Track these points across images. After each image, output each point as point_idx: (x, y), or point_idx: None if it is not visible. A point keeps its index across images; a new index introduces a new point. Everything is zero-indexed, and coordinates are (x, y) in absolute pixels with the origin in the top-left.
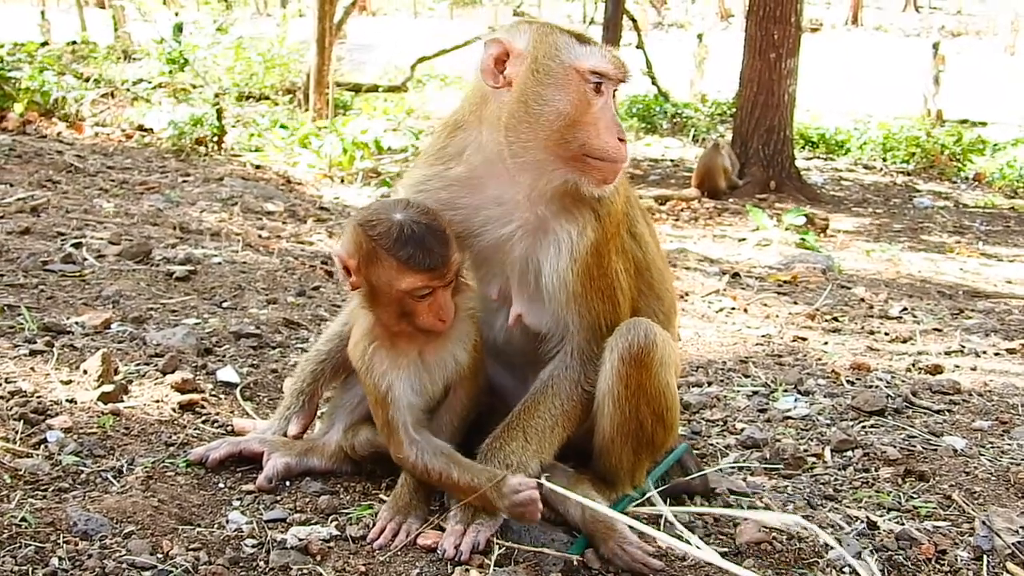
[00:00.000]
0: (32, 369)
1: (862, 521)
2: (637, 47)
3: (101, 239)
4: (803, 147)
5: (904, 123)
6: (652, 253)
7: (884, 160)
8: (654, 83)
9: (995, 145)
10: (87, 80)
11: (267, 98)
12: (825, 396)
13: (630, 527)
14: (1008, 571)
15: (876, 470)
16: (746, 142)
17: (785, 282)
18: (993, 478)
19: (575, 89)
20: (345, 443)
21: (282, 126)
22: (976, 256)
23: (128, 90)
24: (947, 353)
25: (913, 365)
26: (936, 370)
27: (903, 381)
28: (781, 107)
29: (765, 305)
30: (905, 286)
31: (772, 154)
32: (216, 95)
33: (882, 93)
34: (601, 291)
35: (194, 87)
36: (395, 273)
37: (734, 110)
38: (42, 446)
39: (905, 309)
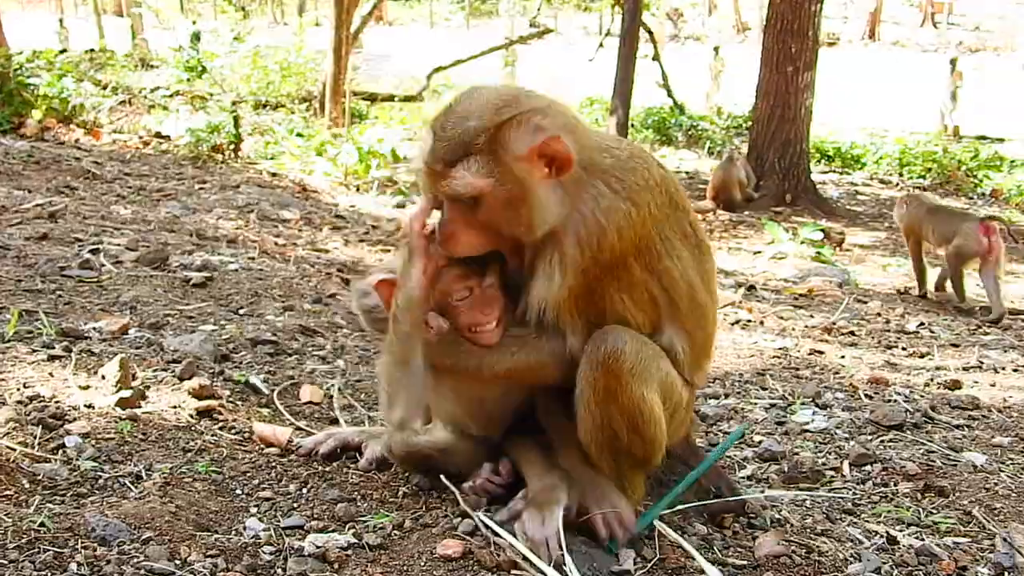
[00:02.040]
0: (50, 374)
1: (882, 536)
2: (653, 59)
3: (118, 245)
4: (819, 161)
5: (920, 138)
6: (681, 289)
7: (900, 175)
8: (670, 95)
9: (1012, 162)
10: (105, 87)
11: (283, 106)
12: (843, 410)
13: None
14: None
15: (895, 485)
16: (762, 155)
17: (801, 295)
18: (1013, 495)
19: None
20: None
21: (299, 134)
22: None
23: (146, 97)
24: (965, 369)
25: (931, 380)
26: (955, 385)
27: (922, 396)
28: (798, 120)
29: (781, 318)
30: (922, 301)
31: (788, 167)
32: (233, 103)
33: (899, 108)
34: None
35: (211, 95)
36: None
37: (750, 123)
38: (60, 451)
39: (922, 324)
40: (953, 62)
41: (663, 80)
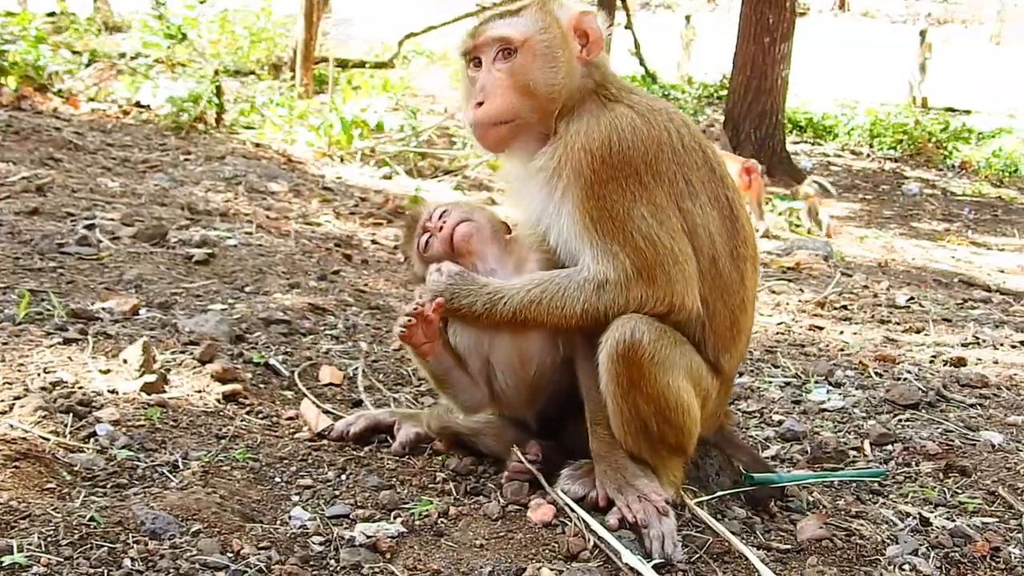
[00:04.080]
0: (69, 358)
1: (914, 517)
2: (626, 27)
3: (112, 220)
4: (791, 131)
5: (890, 110)
6: (702, 242)
7: (871, 146)
8: (642, 64)
9: (980, 134)
10: (78, 54)
11: (253, 73)
12: (856, 388)
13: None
14: None
15: (917, 465)
16: (738, 126)
17: (789, 268)
18: None
19: (464, 73)
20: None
21: (278, 104)
22: (966, 244)
23: (127, 65)
24: (964, 345)
25: (936, 357)
26: (960, 362)
27: (932, 374)
28: (774, 92)
29: (774, 292)
30: (902, 274)
31: (764, 138)
32: (216, 72)
33: (868, 79)
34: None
35: (190, 63)
36: None
37: (722, 92)
38: (92, 439)
39: (912, 299)
40: (922, 34)
41: (635, 48)
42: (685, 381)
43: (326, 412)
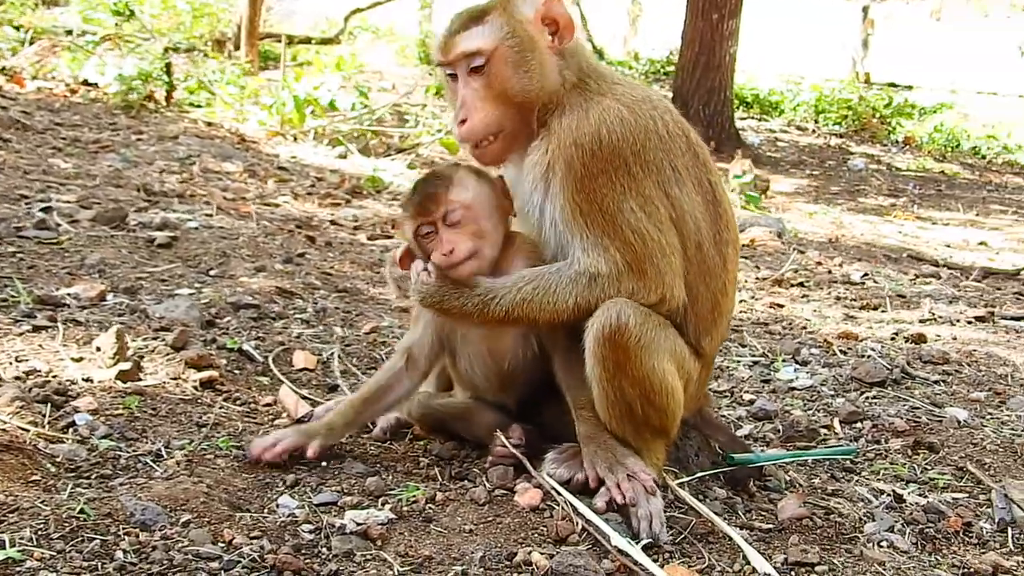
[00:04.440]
0: (40, 346)
1: (888, 495)
2: (574, 3)
3: (69, 203)
4: (738, 107)
5: (835, 85)
6: (689, 227)
7: (817, 122)
8: (589, 40)
9: (922, 109)
10: (19, 29)
11: (195, 49)
12: (823, 366)
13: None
14: None
15: (886, 442)
16: (687, 102)
17: (744, 246)
18: (1000, 449)
19: (445, 84)
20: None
21: (228, 82)
22: (912, 219)
23: (72, 43)
24: (922, 322)
25: (897, 334)
26: (920, 339)
27: (895, 352)
28: (722, 68)
29: None
30: (852, 249)
31: (712, 115)
32: (166, 49)
33: (813, 54)
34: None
35: (135, 39)
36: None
37: (669, 68)
38: (71, 430)
39: (866, 275)
40: (865, 10)
41: (583, 24)
42: (669, 364)
43: (304, 398)
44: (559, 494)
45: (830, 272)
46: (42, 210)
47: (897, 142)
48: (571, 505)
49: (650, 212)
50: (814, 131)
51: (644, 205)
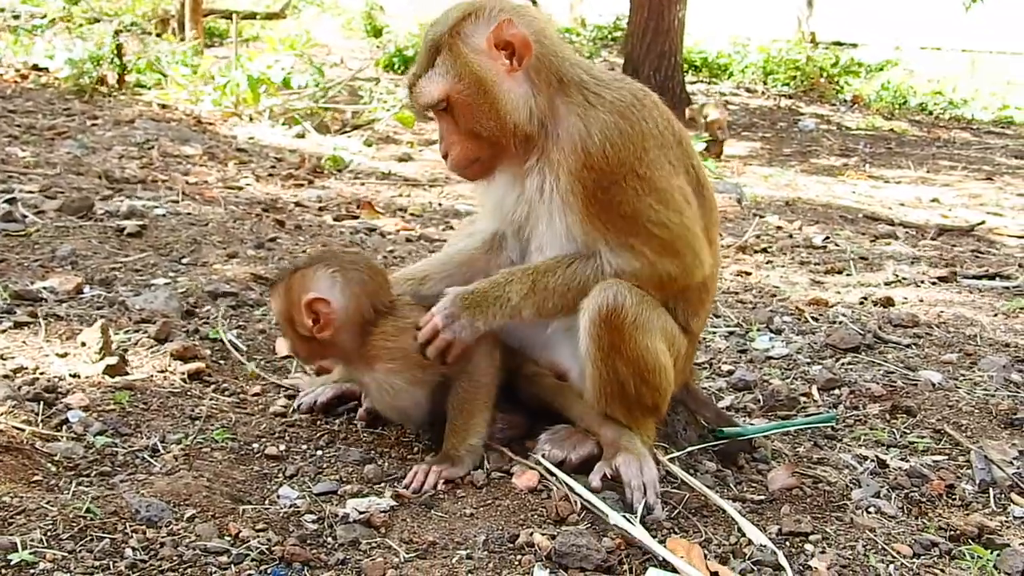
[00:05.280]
0: (24, 343)
1: (871, 460)
2: None
3: (32, 193)
4: (687, 71)
5: (782, 46)
6: (688, 216)
7: (765, 83)
8: (534, 3)
9: (868, 67)
10: None
11: (140, 29)
12: (797, 334)
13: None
14: (1014, 502)
15: (864, 407)
16: (638, 68)
17: None
18: (976, 411)
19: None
20: None
21: (180, 62)
22: (864, 179)
23: (19, 26)
24: (888, 284)
25: (865, 299)
26: (888, 302)
27: (866, 316)
28: (671, 32)
29: None
30: (810, 212)
31: (663, 80)
32: (116, 31)
33: (759, 15)
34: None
35: (86, 19)
36: None
37: (616, 34)
38: (65, 427)
39: (827, 238)
40: None
41: None
42: (661, 343)
43: (290, 386)
44: (554, 476)
45: (791, 236)
46: (6, 201)
47: (845, 101)
48: (567, 486)
49: (666, 201)
50: (763, 93)
51: (659, 198)
